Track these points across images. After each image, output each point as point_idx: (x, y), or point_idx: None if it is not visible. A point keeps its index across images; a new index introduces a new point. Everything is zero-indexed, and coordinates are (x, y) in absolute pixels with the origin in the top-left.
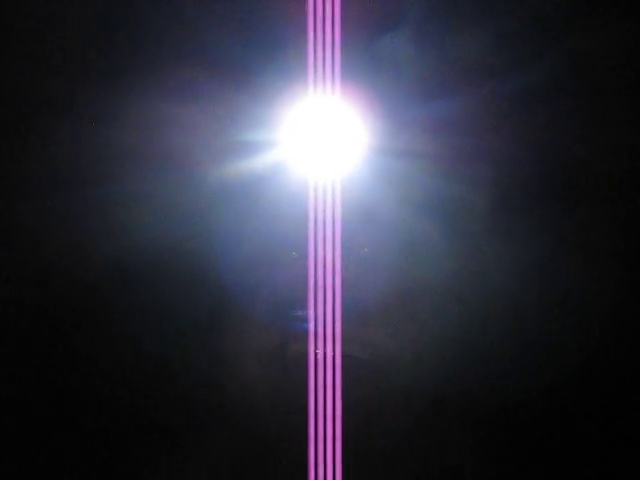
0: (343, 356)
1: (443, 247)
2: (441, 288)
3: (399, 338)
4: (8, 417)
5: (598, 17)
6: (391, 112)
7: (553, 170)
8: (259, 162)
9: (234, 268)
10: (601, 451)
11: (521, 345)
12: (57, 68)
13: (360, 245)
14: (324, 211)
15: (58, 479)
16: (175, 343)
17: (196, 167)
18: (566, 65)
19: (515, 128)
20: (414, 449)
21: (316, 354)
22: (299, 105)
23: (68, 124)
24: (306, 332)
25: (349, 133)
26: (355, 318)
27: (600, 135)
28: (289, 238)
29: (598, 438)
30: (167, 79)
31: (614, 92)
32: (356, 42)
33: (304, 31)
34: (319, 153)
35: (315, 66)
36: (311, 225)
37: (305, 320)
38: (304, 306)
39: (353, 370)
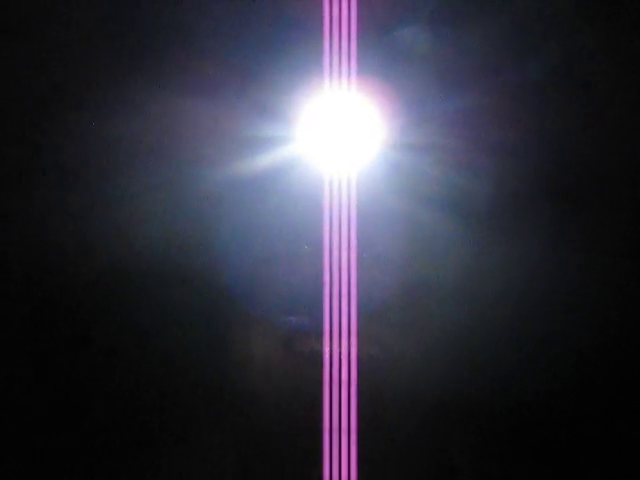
0: (358, 352)
1: (460, 243)
2: (456, 285)
3: (413, 335)
4: (11, 413)
5: (609, 11)
6: (407, 107)
7: (574, 165)
8: (274, 157)
9: (247, 263)
10: (609, 454)
11: (532, 345)
12: (63, 61)
13: (375, 241)
14: (339, 207)
15: (61, 473)
16: (187, 338)
17: (210, 162)
18: (583, 59)
19: (534, 122)
20: (428, 444)
21: (331, 350)
22: (314, 100)
23: (75, 118)
24: (320, 328)
25: (365, 128)
26: (370, 314)
27: (613, 133)
28: (304, 233)
29: (606, 441)
30: (180, 73)
31: (628, 89)
32: (372, 36)
33: (320, 25)
34: (334, 148)
35: (331, 60)
36: (326, 221)
37: (316, 317)
38: (318, 302)
39: (368, 366)
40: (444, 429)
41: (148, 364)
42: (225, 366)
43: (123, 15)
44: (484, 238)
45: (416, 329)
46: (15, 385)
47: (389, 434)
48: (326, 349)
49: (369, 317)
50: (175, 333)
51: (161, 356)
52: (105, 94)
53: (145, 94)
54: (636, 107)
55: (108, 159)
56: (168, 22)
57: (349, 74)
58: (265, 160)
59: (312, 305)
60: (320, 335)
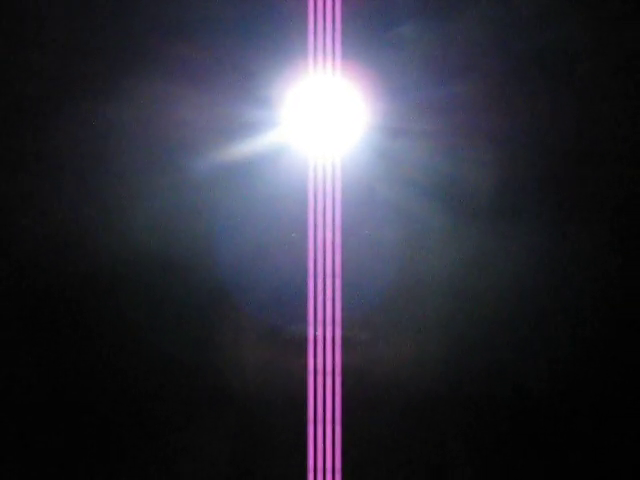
0: (343, 340)
1: (445, 229)
2: (444, 272)
3: (400, 323)
4: (9, 409)
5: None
6: (392, 92)
7: (558, 152)
8: (258, 143)
9: (233, 250)
10: (606, 446)
11: (527, 338)
12: (57, 51)
13: (361, 227)
14: (324, 192)
15: (57, 470)
16: (173, 327)
17: (194, 148)
18: (572, 46)
19: (519, 108)
20: (413, 434)
21: (315, 336)
22: (300, 86)
23: (67, 109)
24: (305, 316)
25: (349, 113)
26: (356, 305)
27: (606, 120)
28: (289, 220)
29: (603, 433)
30: (165, 60)
31: (623, 78)
32: (356, 21)
33: (305, 11)
34: (319, 134)
35: (315, 45)
36: (311, 207)
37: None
38: (303, 290)
39: (353, 355)
40: (431, 420)
41: (137, 354)
42: (211, 356)
43: (115, 7)
44: (473, 225)
45: (403, 318)
46: (10, 381)
47: (374, 424)
48: (311, 338)
49: (355, 306)
50: (160, 322)
51: (149, 348)
52: (95, 84)
53: (133, 83)
54: (627, 95)
55: (97, 149)
56: (156, 13)
57: (334, 60)
58: (251, 147)
59: (297, 293)
60: (305, 324)
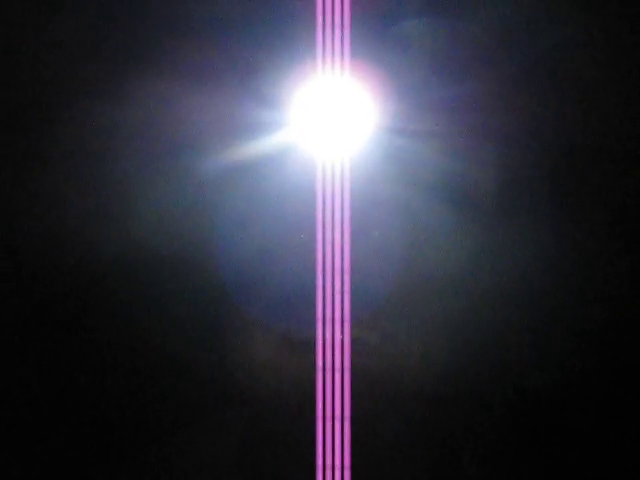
0: (352, 341)
1: (453, 229)
2: (452, 271)
3: (408, 323)
4: (12, 409)
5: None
6: (401, 92)
7: (566, 152)
8: (267, 143)
9: (240, 251)
10: (609, 445)
11: (534, 336)
12: (60, 50)
13: (369, 227)
14: (333, 193)
15: (60, 469)
16: (181, 327)
17: (202, 149)
18: (578, 46)
19: (527, 109)
20: (422, 432)
21: (324, 339)
22: (309, 86)
23: (74, 108)
24: (314, 317)
25: (358, 114)
26: (365, 303)
27: (610, 120)
28: (297, 220)
29: (612, 437)
30: (172, 60)
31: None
32: (365, 21)
33: (313, 11)
34: (327, 134)
35: (324, 46)
36: (319, 207)
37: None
38: (312, 291)
39: (362, 355)
40: (439, 417)
41: (143, 353)
42: (220, 355)
43: (122, 6)
44: (480, 225)
45: (411, 318)
46: (14, 381)
47: (383, 421)
48: (320, 338)
49: (363, 306)
50: (168, 323)
51: (155, 346)
52: (102, 83)
53: (140, 83)
54: (631, 96)
55: (102, 148)
56: (163, 13)
57: (342, 60)
58: (259, 147)
59: (306, 293)
60: (314, 324)
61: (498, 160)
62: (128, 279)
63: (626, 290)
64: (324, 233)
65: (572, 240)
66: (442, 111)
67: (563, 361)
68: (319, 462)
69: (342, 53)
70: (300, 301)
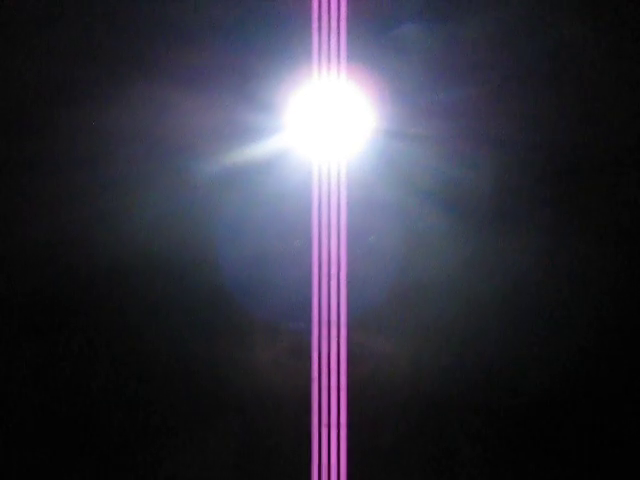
0: (349, 347)
1: (451, 234)
2: (450, 275)
3: (405, 329)
4: (9, 411)
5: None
6: (398, 96)
7: (564, 156)
8: (263, 147)
9: (237, 256)
10: (610, 449)
11: (532, 341)
12: (59, 54)
13: (366, 232)
14: (329, 197)
15: (56, 471)
16: (177, 331)
17: (198, 153)
18: (576, 50)
19: (524, 112)
20: (419, 439)
21: (320, 345)
22: (305, 90)
23: (70, 111)
24: (310, 323)
25: (355, 118)
26: (361, 308)
27: (608, 123)
28: (293, 225)
29: (613, 439)
30: (168, 64)
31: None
32: (362, 25)
33: (310, 15)
34: (324, 138)
35: (320, 49)
36: (315, 213)
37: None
38: (308, 297)
39: (358, 361)
40: (436, 424)
41: (140, 359)
42: (215, 361)
43: (119, 10)
44: (478, 229)
45: (408, 324)
46: (11, 383)
47: (379, 429)
48: (316, 344)
49: (360, 312)
50: (163, 328)
51: (151, 351)
52: (99, 88)
53: (136, 87)
54: (628, 97)
55: (98, 152)
56: (159, 16)
57: (339, 63)
58: (255, 151)
59: (302, 298)
60: (310, 330)
61: (495, 164)
62: (124, 284)
63: (624, 294)
64: (320, 238)
65: (570, 245)
66: (439, 115)
67: (560, 366)
68: (315, 469)
69: (338, 57)
70: (296, 306)
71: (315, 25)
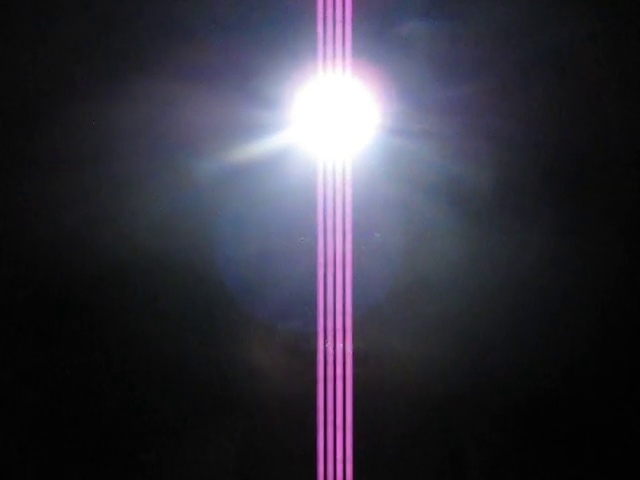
0: (354, 345)
1: (456, 231)
2: (454, 274)
3: (410, 330)
4: (12, 410)
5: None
6: (403, 94)
7: (567, 151)
8: (267, 145)
9: (240, 254)
10: (614, 448)
11: (533, 339)
12: (62, 52)
13: (371, 232)
14: (334, 194)
15: (55, 470)
16: (180, 331)
17: (202, 150)
18: (578, 48)
19: (529, 110)
20: (425, 441)
21: (325, 348)
22: (310, 87)
23: (72, 109)
24: (315, 323)
25: (360, 115)
26: (366, 305)
27: (611, 121)
28: (298, 223)
29: (623, 438)
30: (172, 61)
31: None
32: (367, 21)
33: (314, 11)
34: (329, 135)
35: (325, 46)
36: (320, 210)
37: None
38: (312, 296)
39: (363, 362)
40: (441, 426)
41: (140, 358)
42: (219, 362)
43: (123, 8)
44: (483, 227)
45: (413, 323)
46: (13, 382)
47: (385, 431)
48: (321, 345)
49: (365, 312)
50: (167, 328)
51: (154, 351)
52: (102, 85)
53: (140, 84)
54: (633, 95)
55: (101, 149)
56: (163, 13)
57: (344, 60)
58: (260, 148)
59: (307, 297)
60: (315, 331)
61: (500, 162)
62: (127, 282)
63: (629, 289)
64: (325, 235)
65: (575, 242)
66: (444, 112)
67: (567, 364)
68: (320, 471)
69: (343, 54)
70: (301, 306)
71: (320, 22)
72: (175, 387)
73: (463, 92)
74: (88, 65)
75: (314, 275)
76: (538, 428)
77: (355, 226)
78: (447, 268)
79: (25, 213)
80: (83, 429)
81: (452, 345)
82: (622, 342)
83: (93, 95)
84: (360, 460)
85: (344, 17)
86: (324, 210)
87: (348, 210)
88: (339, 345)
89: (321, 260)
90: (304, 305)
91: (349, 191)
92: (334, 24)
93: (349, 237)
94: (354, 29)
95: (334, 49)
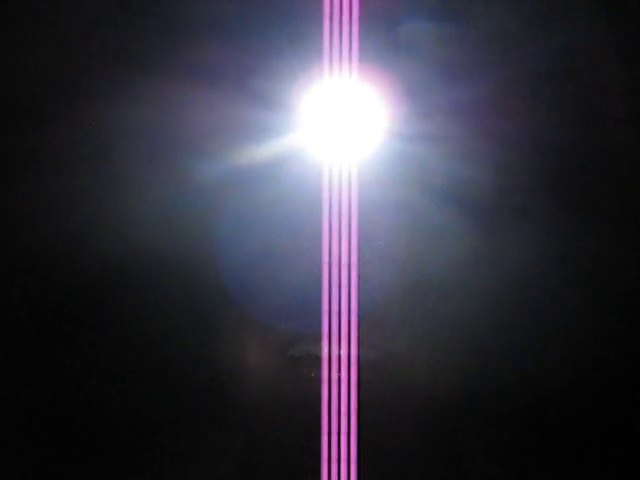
0: (359, 352)
1: (462, 233)
2: (461, 280)
3: (416, 333)
4: (11, 410)
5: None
6: (409, 97)
7: (577, 156)
8: (273, 146)
9: (244, 257)
10: (618, 451)
11: (541, 340)
12: (63, 52)
13: (377, 235)
14: (340, 198)
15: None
16: (182, 334)
17: (208, 152)
18: (584, 51)
19: (536, 113)
20: (430, 447)
21: (330, 350)
22: (315, 90)
23: (74, 109)
24: (319, 327)
25: (366, 118)
26: (372, 308)
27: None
28: (303, 226)
29: (628, 443)
30: (177, 62)
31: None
32: (374, 25)
33: (321, 14)
34: (335, 138)
35: (331, 48)
36: (326, 212)
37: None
38: (317, 299)
39: (368, 367)
40: (448, 431)
41: (142, 360)
42: (222, 364)
43: (126, 7)
44: (488, 230)
45: (419, 327)
46: (12, 383)
47: (390, 437)
48: (326, 349)
49: (370, 315)
50: (169, 329)
51: (154, 353)
52: (105, 85)
53: (144, 85)
54: (633, 97)
55: (105, 150)
56: (168, 13)
57: (350, 62)
58: (266, 150)
59: (312, 301)
60: (319, 335)
61: (507, 165)
62: (129, 284)
63: (634, 293)
64: (330, 238)
65: (578, 243)
66: (451, 115)
67: (575, 368)
68: (324, 476)
69: (350, 56)
70: (306, 310)
71: (327, 24)
72: (177, 389)
73: (470, 95)
74: (92, 66)
75: (319, 278)
76: (545, 433)
77: (360, 229)
78: (453, 271)
79: (25, 213)
80: (82, 429)
81: (458, 348)
82: (630, 345)
83: (95, 97)
84: (365, 464)
85: (351, 19)
86: (330, 213)
87: (354, 213)
88: (344, 349)
89: (326, 262)
90: (309, 308)
91: (355, 194)
92: (341, 26)
93: (354, 239)
94: (361, 31)
95: (340, 51)
